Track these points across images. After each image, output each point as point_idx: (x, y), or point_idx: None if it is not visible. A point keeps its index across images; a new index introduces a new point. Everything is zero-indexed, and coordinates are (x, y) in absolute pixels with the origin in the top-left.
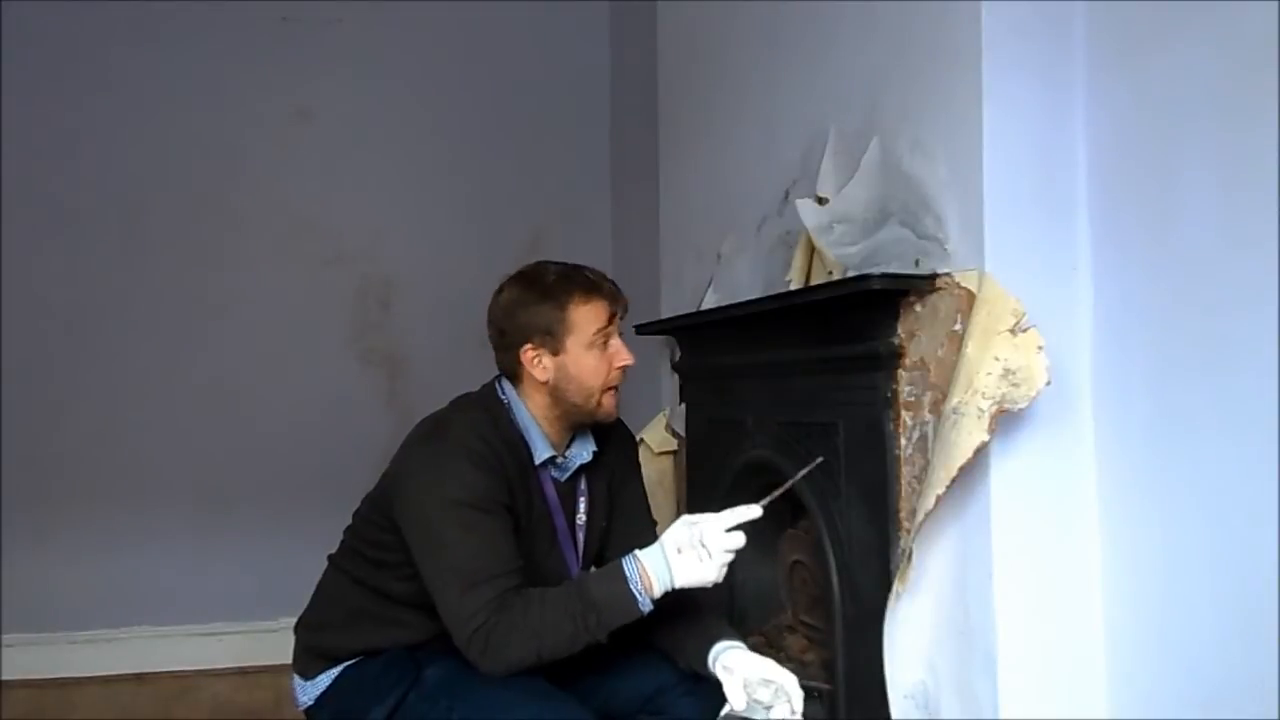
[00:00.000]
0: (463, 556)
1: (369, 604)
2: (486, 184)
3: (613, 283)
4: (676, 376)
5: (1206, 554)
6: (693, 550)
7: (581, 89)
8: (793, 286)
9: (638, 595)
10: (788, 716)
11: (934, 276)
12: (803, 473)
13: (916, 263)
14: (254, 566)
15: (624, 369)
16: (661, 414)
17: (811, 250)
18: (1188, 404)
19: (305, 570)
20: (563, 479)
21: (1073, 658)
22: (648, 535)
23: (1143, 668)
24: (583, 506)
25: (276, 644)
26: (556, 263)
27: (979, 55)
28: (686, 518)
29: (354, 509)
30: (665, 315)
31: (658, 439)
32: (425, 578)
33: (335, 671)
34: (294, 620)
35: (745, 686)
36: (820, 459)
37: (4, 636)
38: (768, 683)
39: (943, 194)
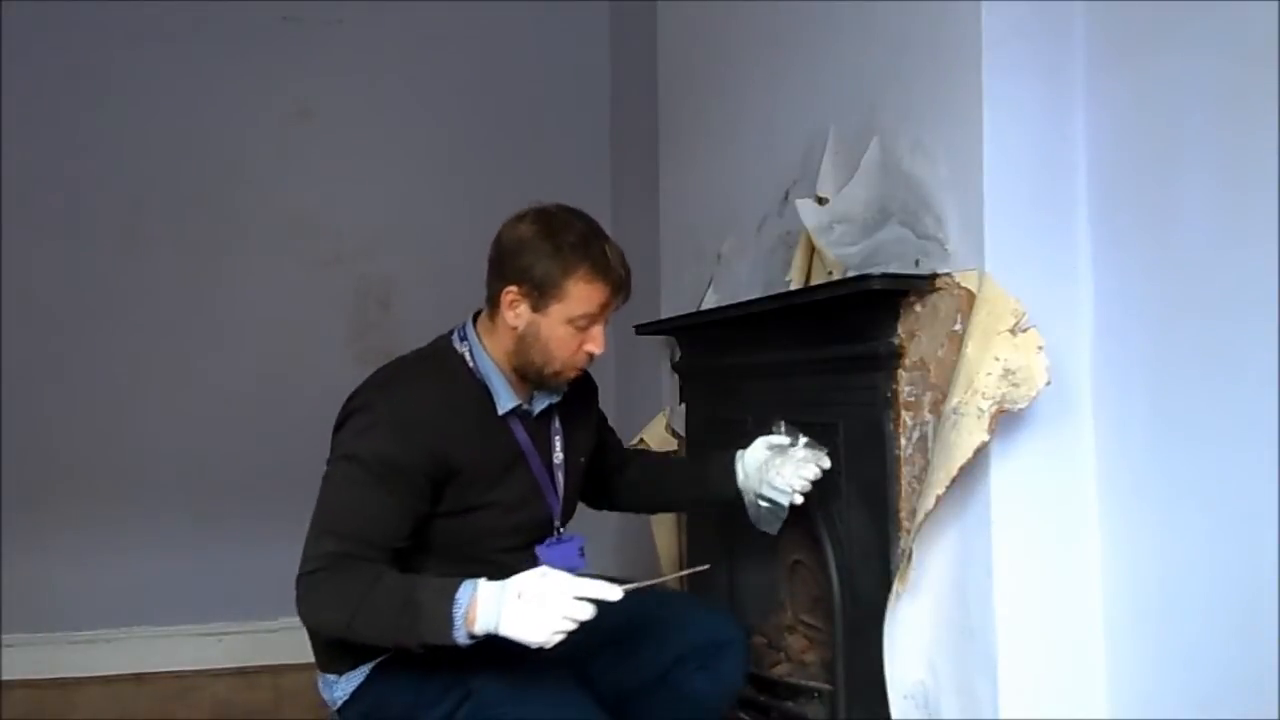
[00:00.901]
0: (331, 505)
1: None
2: (486, 184)
3: (626, 271)
4: (676, 376)
5: (1206, 554)
6: (533, 602)
7: (581, 89)
8: (793, 286)
9: (456, 621)
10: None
11: (934, 276)
12: (670, 577)
13: (916, 263)
14: (254, 566)
15: (590, 356)
16: (661, 414)
17: (811, 250)
18: (1187, 404)
19: None
20: (533, 416)
21: (1073, 658)
22: (626, 465)
23: (1143, 668)
24: (558, 445)
25: (276, 644)
26: (584, 219)
27: (979, 56)
28: (544, 569)
29: None
30: (665, 315)
31: (658, 439)
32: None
33: (367, 668)
34: (294, 620)
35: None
36: (706, 565)
37: (4, 636)
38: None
39: (943, 194)
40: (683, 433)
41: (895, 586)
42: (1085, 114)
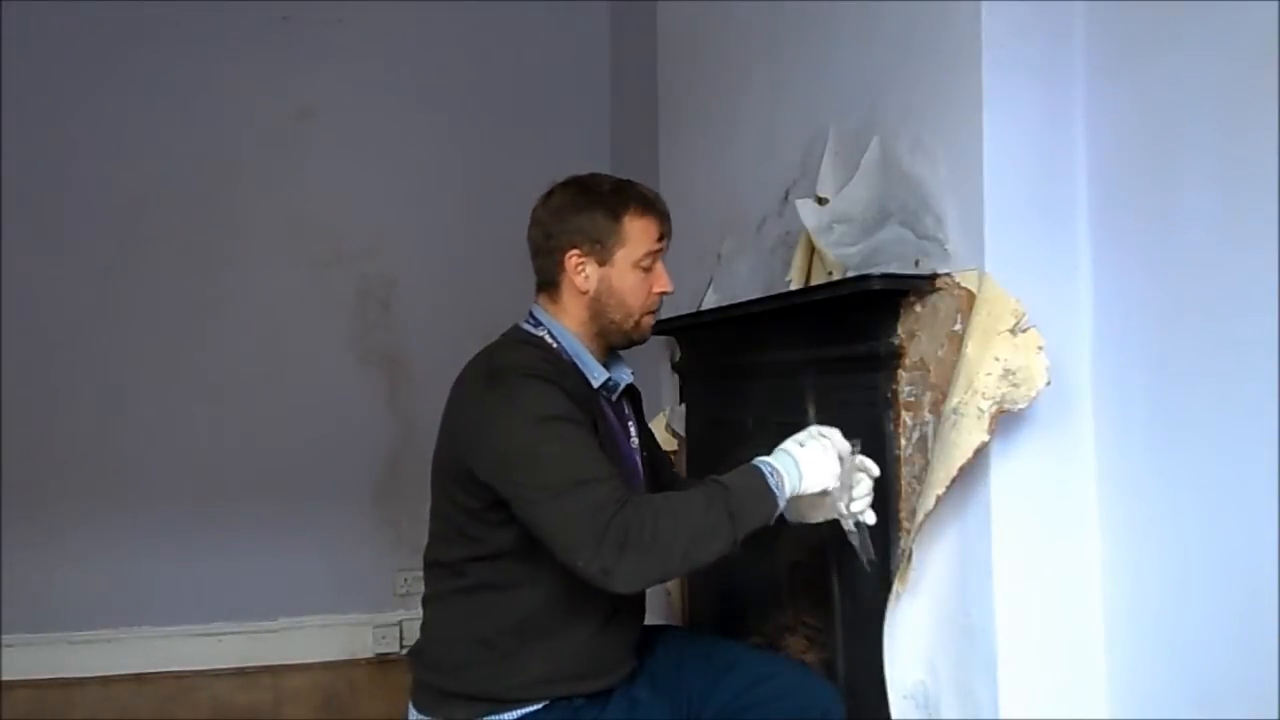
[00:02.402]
0: (566, 462)
1: (505, 622)
2: (486, 184)
3: (664, 203)
4: (676, 376)
5: (1206, 553)
6: (815, 442)
7: (581, 89)
8: (793, 287)
9: (773, 488)
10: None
11: (934, 276)
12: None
13: (916, 263)
14: (254, 566)
15: (662, 295)
16: (661, 414)
17: (811, 250)
18: (1187, 404)
19: (305, 570)
20: (613, 398)
21: (1073, 658)
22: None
23: (1143, 668)
24: (633, 430)
25: (276, 644)
26: (607, 175)
27: (979, 56)
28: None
29: (356, 509)
30: (665, 315)
31: (658, 439)
32: (526, 510)
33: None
34: (293, 620)
35: None
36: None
37: (4, 636)
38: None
39: (943, 194)
40: (682, 433)
41: (895, 586)
42: (1085, 114)
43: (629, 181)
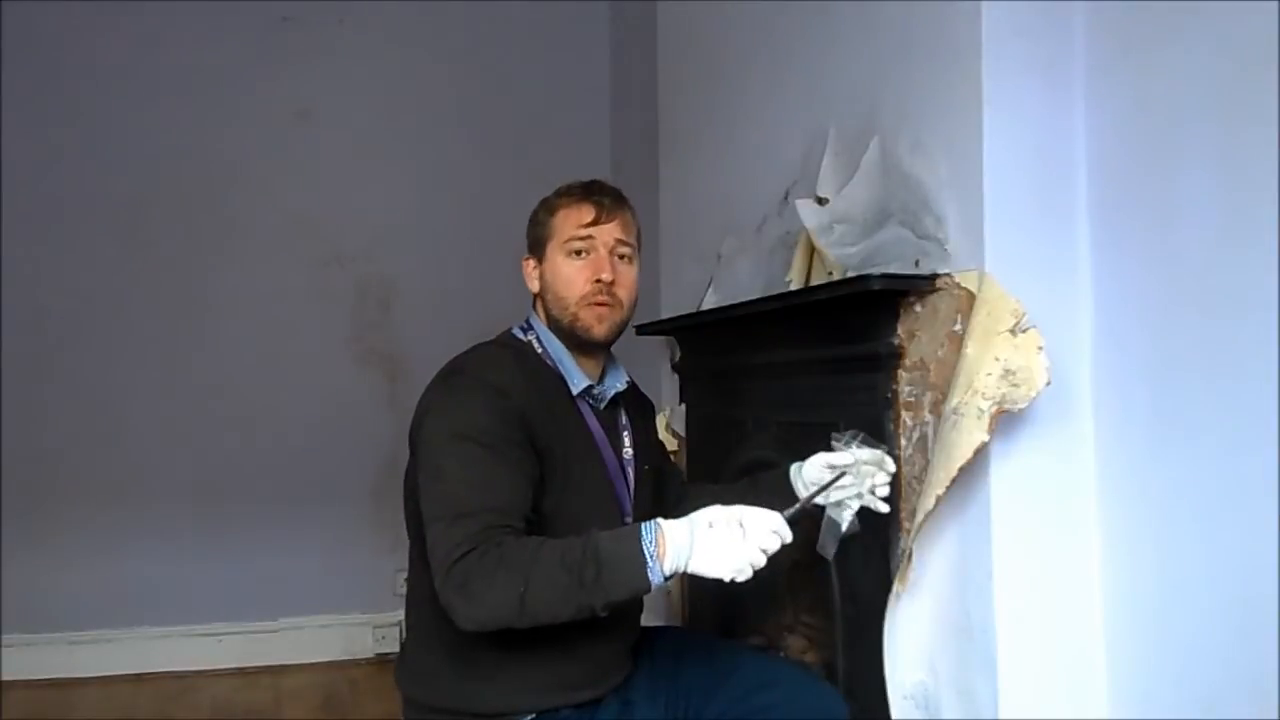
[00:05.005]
0: (457, 488)
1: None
2: (486, 184)
3: (614, 193)
4: (676, 376)
5: (1206, 553)
6: (727, 528)
7: (581, 89)
8: (793, 287)
9: (649, 559)
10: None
11: (934, 277)
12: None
13: (916, 263)
14: (254, 566)
15: (601, 283)
16: (661, 414)
17: (811, 250)
18: (1187, 404)
19: (305, 571)
20: (601, 406)
21: (1073, 658)
22: (685, 499)
23: (1143, 668)
24: (627, 440)
25: (276, 644)
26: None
27: (979, 55)
28: (721, 506)
29: (356, 509)
30: (665, 315)
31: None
32: (424, 519)
33: None
34: (293, 620)
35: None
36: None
37: (4, 636)
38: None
39: (943, 194)
40: (683, 433)
41: (895, 586)
42: (1085, 114)
43: (593, 180)
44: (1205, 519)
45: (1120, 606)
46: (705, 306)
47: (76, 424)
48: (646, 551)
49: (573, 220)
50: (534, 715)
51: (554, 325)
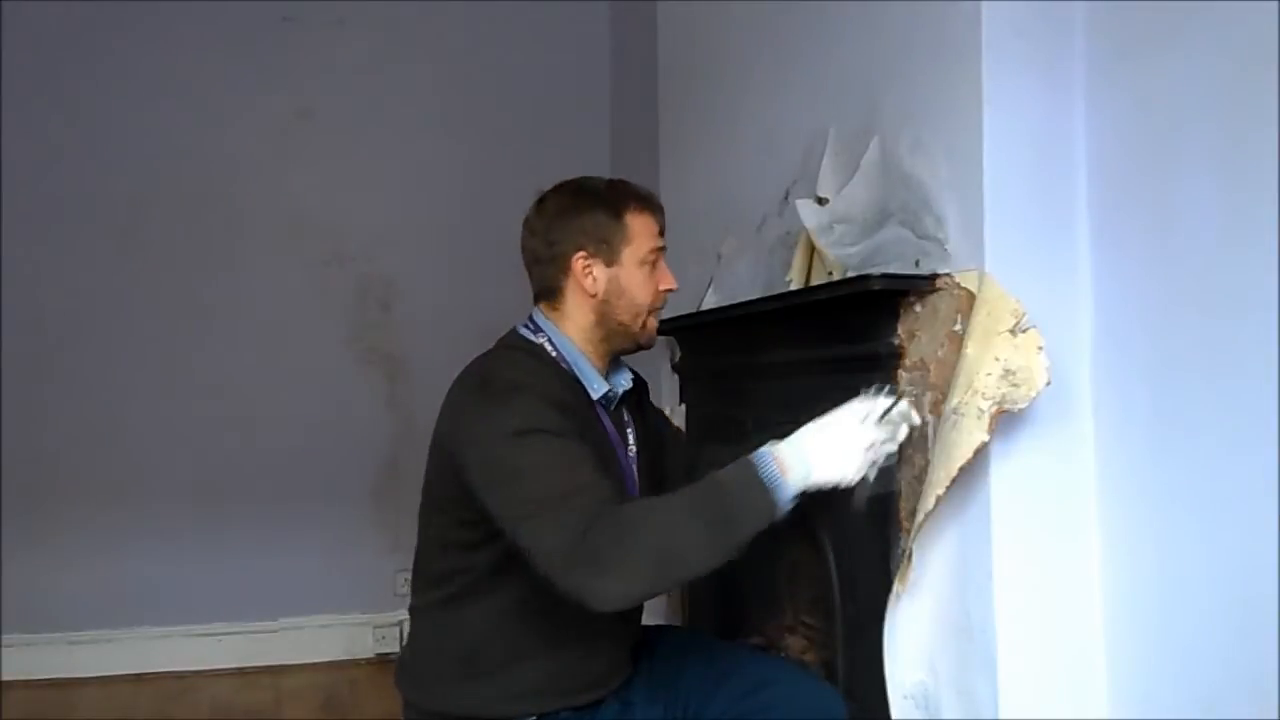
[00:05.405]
0: (546, 477)
1: (502, 626)
2: (487, 184)
3: (659, 199)
4: (676, 376)
5: (1206, 554)
6: (835, 429)
7: (581, 89)
8: (793, 287)
9: (772, 482)
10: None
11: (934, 277)
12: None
13: (916, 263)
14: (254, 566)
15: (667, 293)
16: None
17: (811, 250)
18: (1188, 404)
19: (305, 571)
20: (610, 409)
21: (1073, 658)
22: (695, 467)
23: (1143, 668)
24: (632, 438)
25: (276, 644)
26: (594, 176)
27: (979, 55)
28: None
29: (356, 509)
30: (665, 315)
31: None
32: (507, 526)
33: None
34: (293, 620)
35: None
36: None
37: (4, 636)
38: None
39: (943, 194)
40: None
41: (895, 586)
42: (1085, 114)
43: (620, 180)
44: (1205, 519)
45: (1120, 606)
46: (705, 306)
47: (76, 424)
48: (770, 478)
49: (650, 230)
50: (535, 718)
51: (605, 328)
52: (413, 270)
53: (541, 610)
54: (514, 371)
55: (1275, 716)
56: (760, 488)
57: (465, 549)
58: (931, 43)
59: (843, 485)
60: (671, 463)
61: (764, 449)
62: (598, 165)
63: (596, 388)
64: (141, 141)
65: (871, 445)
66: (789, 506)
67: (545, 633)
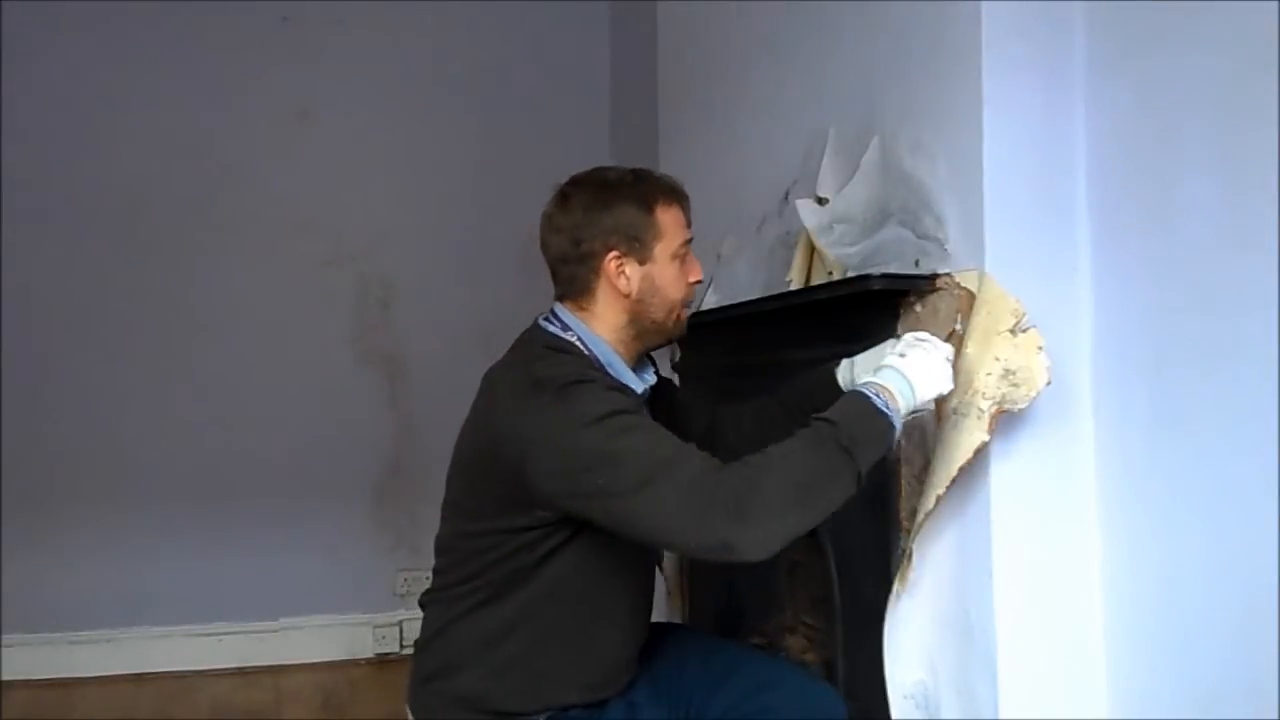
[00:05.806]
0: (649, 447)
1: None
2: (487, 184)
3: (684, 186)
4: (676, 376)
5: (1206, 554)
6: (916, 349)
7: (581, 89)
8: (793, 287)
9: (882, 409)
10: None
11: (934, 276)
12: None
13: (916, 263)
14: (254, 566)
15: (695, 287)
16: None
17: (811, 250)
18: (1188, 404)
19: (305, 570)
20: (643, 402)
21: (1072, 657)
22: (717, 429)
23: (1143, 668)
24: None
25: (276, 644)
26: (613, 166)
27: (979, 55)
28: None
29: (356, 509)
30: None
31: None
32: (616, 512)
33: None
34: (293, 620)
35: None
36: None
37: (4, 636)
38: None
39: (943, 194)
40: None
41: (895, 586)
42: (1085, 114)
43: (645, 170)
44: (1205, 519)
45: (1120, 606)
46: (705, 306)
47: (76, 424)
48: (878, 403)
49: (679, 223)
50: (547, 713)
51: (638, 326)
52: (413, 270)
53: (569, 603)
54: (569, 368)
55: (1275, 717)
56: (876, 414)
57: (504, 554)
58: (931, 43)
59: (942, 397)
60: (697, 429)
61: (860, 384)
62: (598, 165)
63: (636, 386)
64: (141, 141)
65: (948, 357)
66: (899, 431)
67: (570, 626)
